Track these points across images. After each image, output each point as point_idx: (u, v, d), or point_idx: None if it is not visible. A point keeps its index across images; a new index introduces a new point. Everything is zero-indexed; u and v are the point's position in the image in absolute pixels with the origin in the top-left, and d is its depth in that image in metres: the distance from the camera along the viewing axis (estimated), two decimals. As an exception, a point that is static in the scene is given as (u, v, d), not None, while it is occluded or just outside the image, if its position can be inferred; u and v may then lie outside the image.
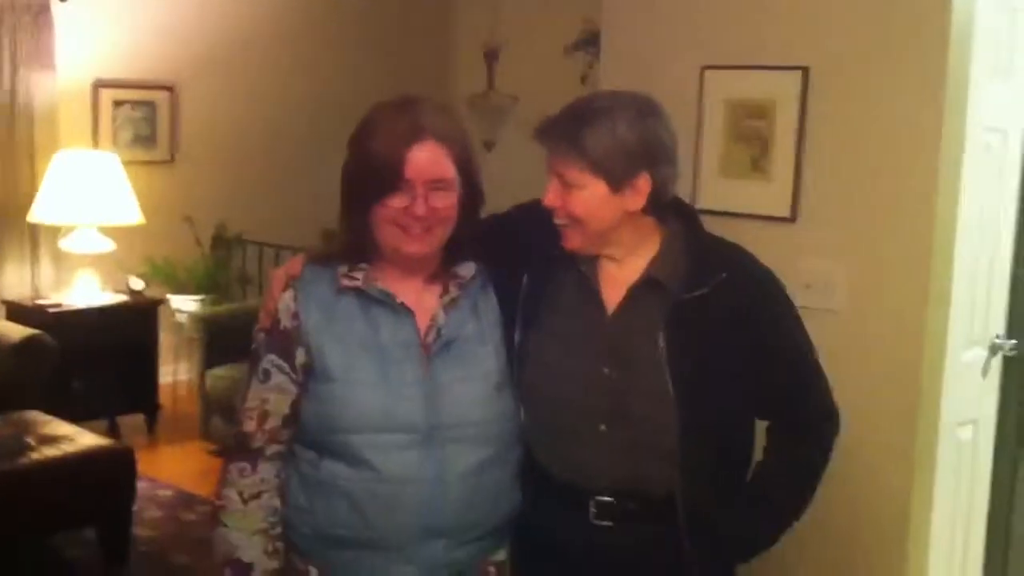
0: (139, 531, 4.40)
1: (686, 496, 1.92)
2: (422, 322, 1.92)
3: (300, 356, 1.91)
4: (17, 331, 5.19)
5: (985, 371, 3.32)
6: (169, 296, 6.13)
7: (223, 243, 6.49)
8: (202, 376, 5.46)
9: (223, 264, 6.43)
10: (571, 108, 1.96)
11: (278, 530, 1.95)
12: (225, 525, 1.94)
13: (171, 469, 5.27)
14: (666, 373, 1.89)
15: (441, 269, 1.97)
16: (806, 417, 2.05)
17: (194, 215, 6.35)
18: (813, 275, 3.01)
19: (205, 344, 5.50)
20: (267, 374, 1.92)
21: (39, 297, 5.79)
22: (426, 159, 1.87)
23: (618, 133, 1.88)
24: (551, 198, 1.94)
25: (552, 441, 1.98)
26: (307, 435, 1.93)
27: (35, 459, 4.03)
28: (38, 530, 4.14)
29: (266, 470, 1.93)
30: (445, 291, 1.95)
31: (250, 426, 1.93)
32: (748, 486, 2.02)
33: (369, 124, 1.92)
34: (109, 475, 4.15)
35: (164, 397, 6.02)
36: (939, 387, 3.01)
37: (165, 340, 6.03)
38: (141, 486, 4.41)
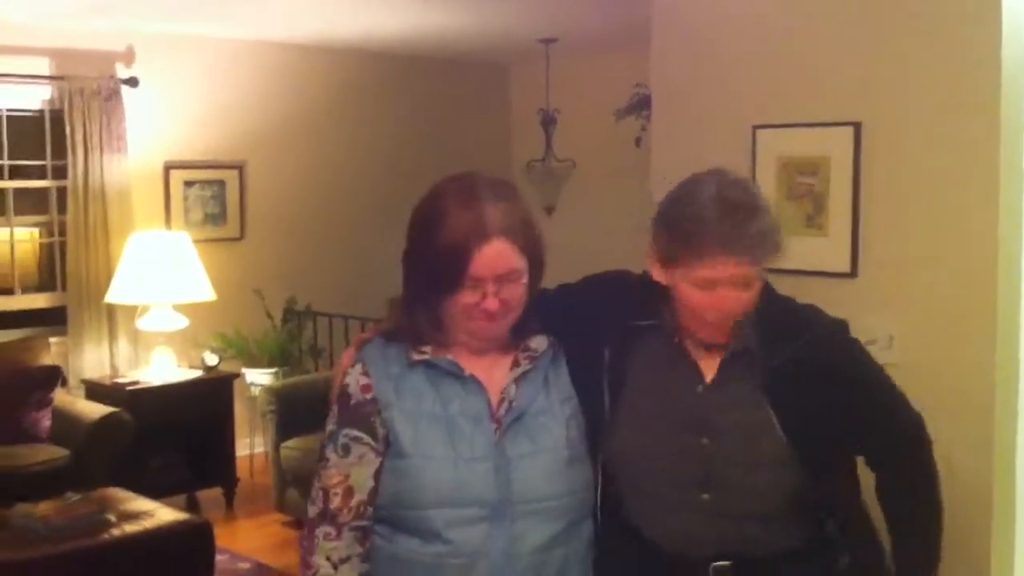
0: (219, 604, 4.45)
1: (811, 550, 1.95)
2: (492, 395, 1.92)
3: (379, 431, 1.91)
4: (96, 409, 5.34)
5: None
6: (243, 370, 6.24)
7: (293, 316, 6.61)
8: (276, 448, 5.53)
9: (294, 337, 6.55)
10: (735, 208, 1.84)
11: None
12: None
13: (248, 542, 5.34)
14: (777, 438, 1.90)
15: (511, 342, 1.97)
16: (899, 440, 2.06)
17: (264, 290, 6.49)
18: (875, 331, 3.00)
19: (278, 416, 5.58)
20: (346, 449, 1.92)
21: (117, 375, 5.93)
22: (495, 256, 1.86)
23: (772, 225, 1.87)
24: (737, 305, 1.88)
25: (656, 513, 1.98)
26: (380, 509, 1.93)
27: (115, 535, 4.11)
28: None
29: (350, 538, 1.93)
30: (516, 364, 1.96)
31: (335, 502, 1.92)
32: (892, 537, 2.03)
33: (433, 214, 1.90)
34: (188, 549, 4.22)
35: (241, 470, 6.11)
36: (1013, 441, 2.97)
37: (240, 413, 6.14)
38: (220, 559, 4.46)
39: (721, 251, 1.82)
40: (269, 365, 6.30)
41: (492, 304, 1.88)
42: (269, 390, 5.80)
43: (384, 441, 1.91)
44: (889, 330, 3.02)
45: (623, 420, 1.97)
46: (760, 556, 1.94)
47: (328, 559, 1.92)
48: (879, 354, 2.87)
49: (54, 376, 5.51)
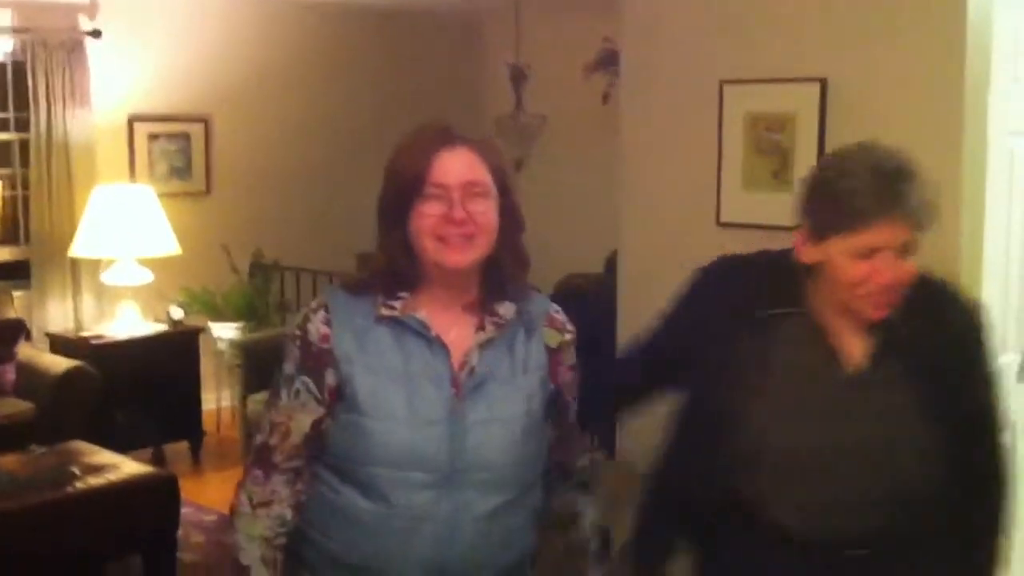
0: (184, 556, 4.46)
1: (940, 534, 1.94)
2: (456, 358, 1.91)
3: (330, 378, 1.90)
4: (61, 363, 5.31)
5: (1020, 376, 3.31)
6: (209, 324, 6.22)
7: (260, 270, 6.58)
8: (243, 402, 5.53)
9: (261, 291, 6.52)
10: (896, 174, 1.81)
11: (280, 541, 1.95)
12: (234, 527, 1.96)
13: (215, 495, 5.34)
14: (929, 421, 1.89)
15: (480, 306, 1.95)
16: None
17: (231, 244, 6.45)
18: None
19: (245, 370, 5.57)
20: (296, 394, 1.92)
21: (81, 330, 5.90)
22: (459, 162, 1.86)
23: (931, 192, 1.83)
24: (899, 275, 1.84)
25: (802, 501, 1.94)
26: (331, 460, 1.93)
27: (80, 488, 4.11)
28: (85, 558, 4.22)
29: (279, 482, 1.93)
30: (481, 328, 1.93)
31: (273, 440, 1.93)
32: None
33: (402, 143, 1.92)
34: (154, 502, 4.23)
35: (207, 424, 6.12)
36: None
37: (206, 368, 6.13)
38: (186, 512, 4.47)
39: (884, 215, 1.78)
40: (235, 320, 6.28)
41: (458, 212, 1.84)
42: (236, 344, 5.80)
43: (331, 393, 1.90)
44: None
45: (767, 413, 1.92)
46: (898, 544, 1.92)
47: (249, 499, 1.93)
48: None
49: (18, 329, 5.48)
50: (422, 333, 1.90)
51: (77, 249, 5.69)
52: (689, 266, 2.06)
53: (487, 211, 1.88)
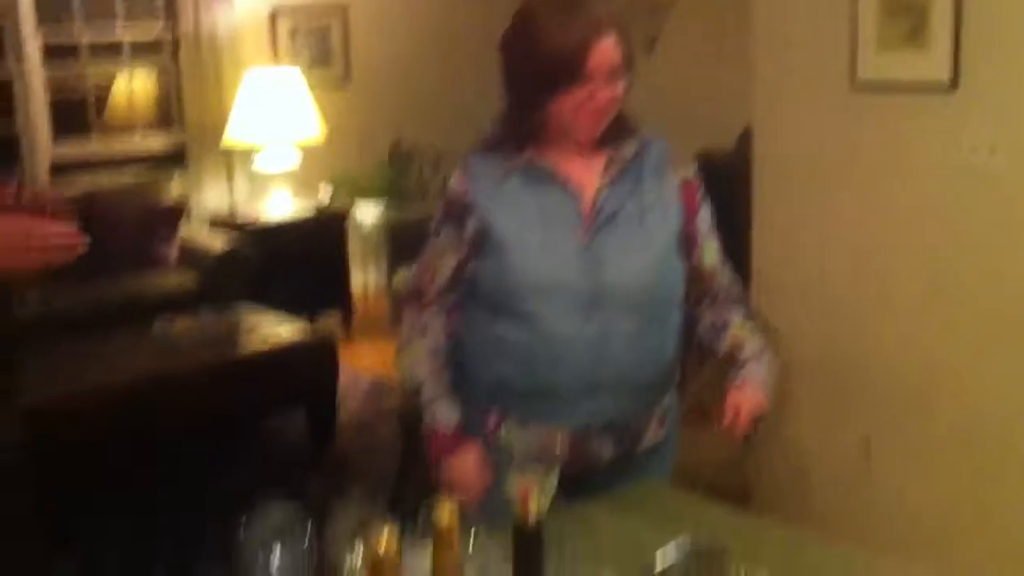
0: (342, 416, 4.78)
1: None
2: (586, 197, 2.07)
3: (470, 225, 2.10)
4: (219, 243, 5.64)
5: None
6: (355, 207, 6.49)
7: (399, 157, 6.81)
8: (389, 277, 5.80)
9: (401, 175, 6.76)
10: None
11: (441, 359, 2.17)
12: (401, 358, 2.19)
13: (368, 362, 5.66)
14: None
15: (605, 147, 2.10)
16: None
17: (371, 132, 6.68)
18: (976, 141, 3.07)
19: (390, 249, 5.84)
20: (441, 239, 2.15)
21: (236, 213, 6.23)
22: (608, 51, 1.98)
23: None
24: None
25: None
26: (482, 296, 2.13)
27: (248, 348, 4.45)
28: (253, 413, 4.57)
29: (430, 316, 2.17)
30: (608, 167, 2.09)
31: (423, 280, 2.18)
32: None
33: (538, 17, 2.00)
34: (315, 363, 4.54)
35: (356, 300, 6.42)
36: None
37: (353, 248, 6.41)
38: (342, 377, 4.76)
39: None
40: (379, 203, 6.53)
41: (604, 98, 2.00)
42: (380, 225, 6.05)
43: (472, 238, 2.10)
44: (990, 140, 3.08)
45: None
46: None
47: (407, 332, 2.18)
48: (981, 166, 3.00)
49: (179, 211, 5.82)
50: (552, 178, 2.07)
51: (230, 134, 5.99)
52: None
53: (621, 91, 2.04)
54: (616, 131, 2.09)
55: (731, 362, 2.14)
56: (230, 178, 6.35)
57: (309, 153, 6.16)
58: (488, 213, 2.07)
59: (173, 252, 5.65)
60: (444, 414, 2.13)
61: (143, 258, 5.55)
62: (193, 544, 3.77)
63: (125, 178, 5.87)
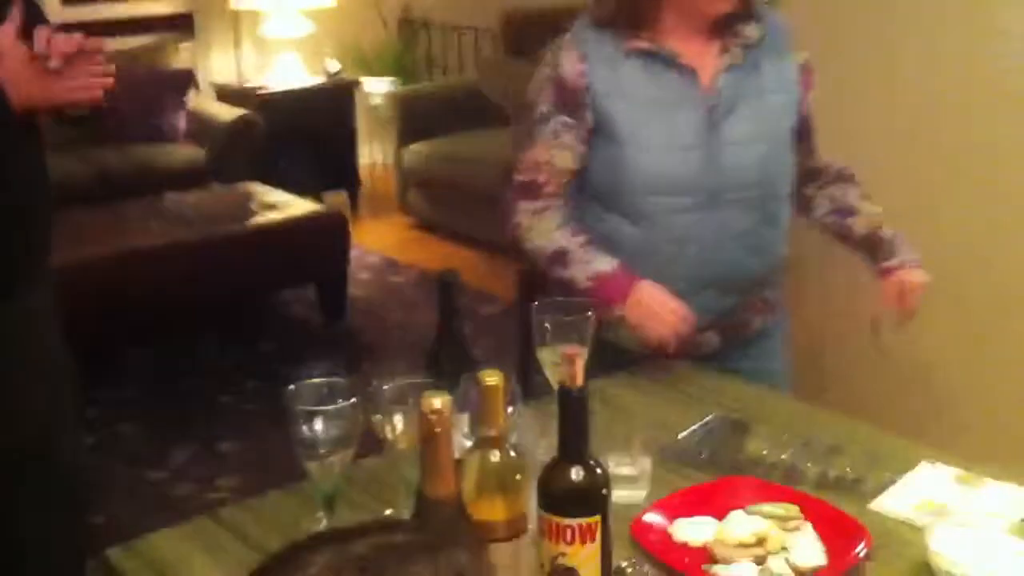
0: (353, 291, 4.78)
1: None
2: (705, 83, 1.95)
3: (588, 119, 1.97)
4: (229, 112, 5.57)
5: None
6: (362, 79, 6.39)
7: (409, 26, 6.67)
8: (398, 152, 5.75)
9: (410, 47, 6.64)
10: None
11: (577, 229, 2.00)
12: (527, 239, 2.01)
13: (375, 239, 5.65)
14: None
15: (725, 29, 1.96)
16: None
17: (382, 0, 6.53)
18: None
19: (399, 124, 5.76)
20: (556, 133, 1.98)
21: (244, 81, 6.13)
22: None
23: None
24: None
25: None
26: (594, 191, 2.03)
27: (261, 222, 4.42)
28: (265, 287, 4.57)
29: (547, 208, 2.02)
30: (727, 51, 1.96)
31: (540, 177, 2.00)
32: None
33: None
34: (325, 237, 4.52)
35: (363, 176, 6.37)
36: None
37: (361, 122, 6.33)
38: (351, 253, 4.76)
39: None
40: (387, 75, 6.43)
41: None
42: (390, 96, 5.96)
43: (591, 130, 1.98)
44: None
45: None
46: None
47: (530, 212, 2.01)
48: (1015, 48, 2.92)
49: (187, 79, 5.73)
50: (673, 62, 1.95)
51: (237, 1, 5.86)
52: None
53: None
54: (739, 11, 1.95)
55: (873, 244, 2.06)
56: (237, 45, 6.24)
57: (319, 17, 6.03)
58: (605, 103, 1.95)
59: (182, 123, 5.57)
60: (605, 260, 1.95)
61: (152, 129, 5.47)
62: (206, 415, 3.82)
63: (134, 44, 5.76)
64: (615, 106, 1.95)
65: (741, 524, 1.41)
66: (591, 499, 1.19)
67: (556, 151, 2.00)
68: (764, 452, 1.65)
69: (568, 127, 1.99)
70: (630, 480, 1.50)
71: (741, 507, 1.44)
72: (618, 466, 1.47)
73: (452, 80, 6.25)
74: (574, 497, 1.19)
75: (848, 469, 1.59)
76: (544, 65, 2.02)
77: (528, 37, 5.44)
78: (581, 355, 1.23)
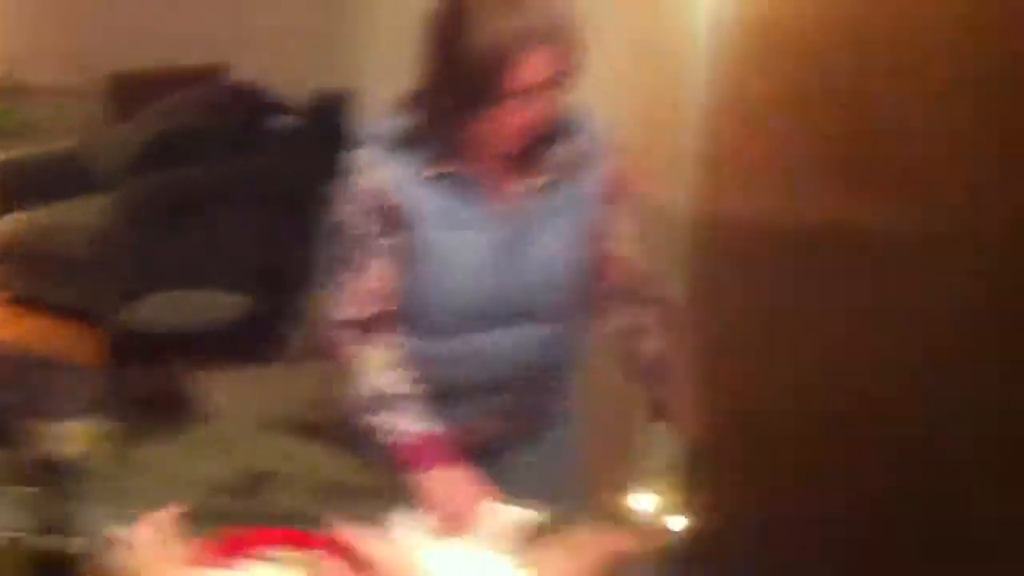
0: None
1: None
2: (506, 204, 1.93)
3: (402, 232, 1.91)
4: None
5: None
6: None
7: (9, 91, 6.27)
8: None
9: (10, 113, 6.23)
10: None
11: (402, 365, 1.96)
12: (356, 370, 1.94)
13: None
14: None
15: (529, 153, 1.92)
16: None
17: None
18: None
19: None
20: (381, 258, 1.92)
21: None
22: (543, 63, 1.75)
23: None
24: None
25: None
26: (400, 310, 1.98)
27: None
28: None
29: (382, 344, 1.95)
30: (530, 174, 1.93)
31: (375, 309, 1.94)
32: None
33: (466, 12, 1.76)
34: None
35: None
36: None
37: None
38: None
39: None
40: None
41: (537, 117, 1.81)
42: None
43: (402, 248, 1.92)
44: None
45: None
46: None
47: (365, 345, 1.95)
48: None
49: None
50: (473, 185, 1.91)
51: None
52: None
53: (559, 101, 1.84)
54: (543, 136, 1.90)
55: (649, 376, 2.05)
56: None
57: None
58: (413, 219, 1.90)
59: None
60: (422, 420, 1.90)
61: None
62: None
63: None
64: (420, 225, 1.91)
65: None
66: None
67: (387, 279, 1.94)
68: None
69: (393, 250, 1.93)
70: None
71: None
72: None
73: (53, 147, 5.94)
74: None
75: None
76: (350, 184, 1.94)
77: (135, 100, 5.34)
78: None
